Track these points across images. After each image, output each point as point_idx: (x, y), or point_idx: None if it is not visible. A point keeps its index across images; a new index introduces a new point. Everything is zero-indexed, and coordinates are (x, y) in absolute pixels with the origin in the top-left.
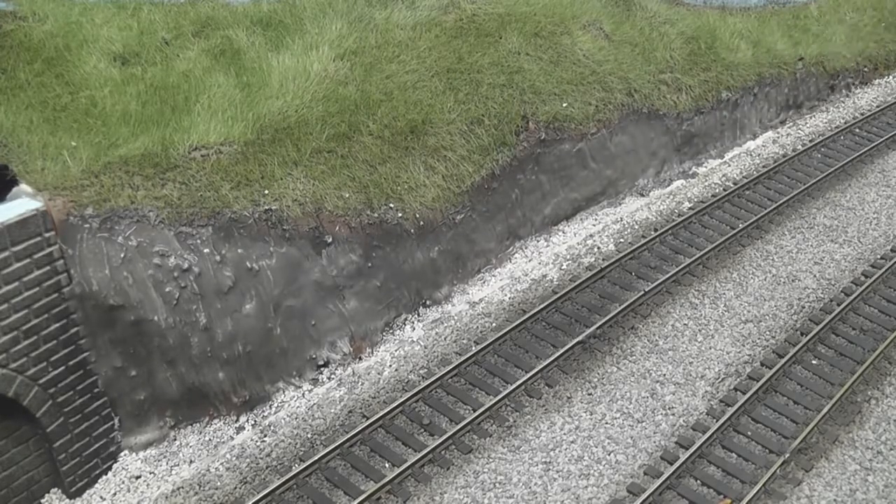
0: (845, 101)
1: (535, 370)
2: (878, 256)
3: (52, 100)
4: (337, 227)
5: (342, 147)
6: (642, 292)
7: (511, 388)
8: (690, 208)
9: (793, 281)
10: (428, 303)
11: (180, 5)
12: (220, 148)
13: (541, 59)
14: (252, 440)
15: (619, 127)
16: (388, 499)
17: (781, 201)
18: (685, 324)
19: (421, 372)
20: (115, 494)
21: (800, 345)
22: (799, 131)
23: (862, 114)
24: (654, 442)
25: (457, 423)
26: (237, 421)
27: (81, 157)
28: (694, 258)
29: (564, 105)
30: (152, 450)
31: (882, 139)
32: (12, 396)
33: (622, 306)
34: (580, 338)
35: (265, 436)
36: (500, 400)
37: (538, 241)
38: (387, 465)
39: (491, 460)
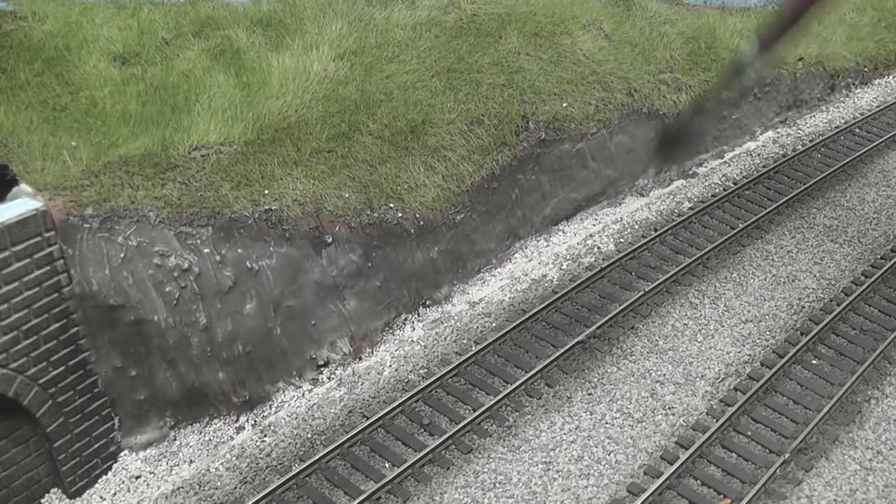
0: (845, 101)
1: (535, 370)
2: (878, 256)
3: (52, 100)
4: (337, 227)
5: (342, 147)
6: (642, 292)
7: (511, 387)
8: (690, 208)
9: (793, 281)
10: (428, 303)
11: (180, 5)
12: (220, 148)
13: (541, 59)
14: (252, 440)
15: (619, 127)
16: (388, 499)
17: (781, 201)
18: (685, 324)
19: (421, 372)
20: (115, 494)
21: (800, 345)
22: (799, 131)
23: (862, 114)
24: (654, 442)
25: (457, 422)
26: (237, 421)
27: (81, 157)
28: (694, 258)
29: (564, 105)
30: (152, 450)
31: (882, 139)
32: (12, 396)
33: (622, 306)
34: (580, 338)
35: (265, 436)
36: (500, 400)
37: (538, 241)
38: (387, 465)
39: (491, 460)
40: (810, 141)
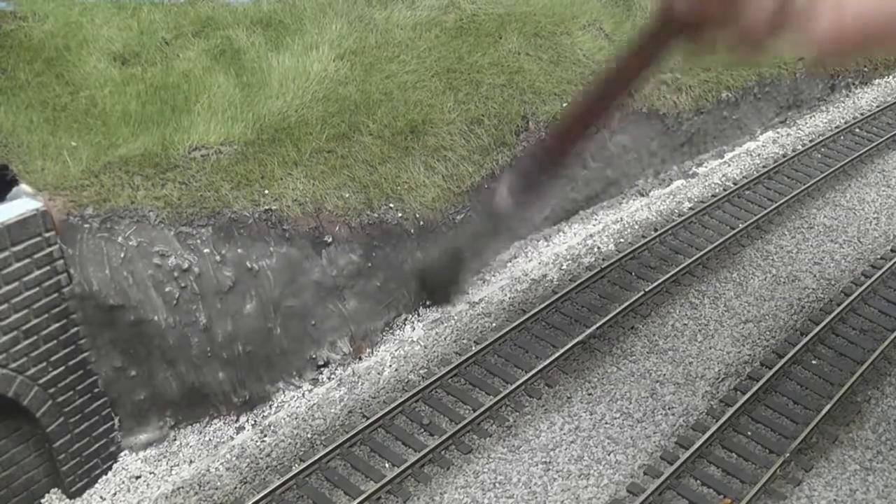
0: (845, 101)
1: (535, 370)
2: (878, 256)
3: (52, 100)
4: (337, 227)
5: (342, 147)
6: (642, 292)
7: (511, 388)
8: (690, 208)
9: (793, 281)
10: (428, 303)
11: (180, 5)
12: (220, 148)
13: (541, 59)
14: (252, 440)
15: (619, 127)
16: (388, 499)
17: (781, 201)
18: (685, 324)
19: (421, 372)
20: (115, 494)
21: (800, 345)
22: (799, 131)
23: (862, 114)
24: (654, 442)
25: (457, 423)
26: (237, 421)
27: (81, 157)
28: (694, 258)
29: (564, 105)
30: (152, 450)
31: (882, 139)
32: (12, 396)
33: (622, 306)
34: (580, 338)
35: (265, 436)
36: (500, 400)
37: (538, 241)
38: (387, 465)
39: (491, 460)
40: (810, 141)
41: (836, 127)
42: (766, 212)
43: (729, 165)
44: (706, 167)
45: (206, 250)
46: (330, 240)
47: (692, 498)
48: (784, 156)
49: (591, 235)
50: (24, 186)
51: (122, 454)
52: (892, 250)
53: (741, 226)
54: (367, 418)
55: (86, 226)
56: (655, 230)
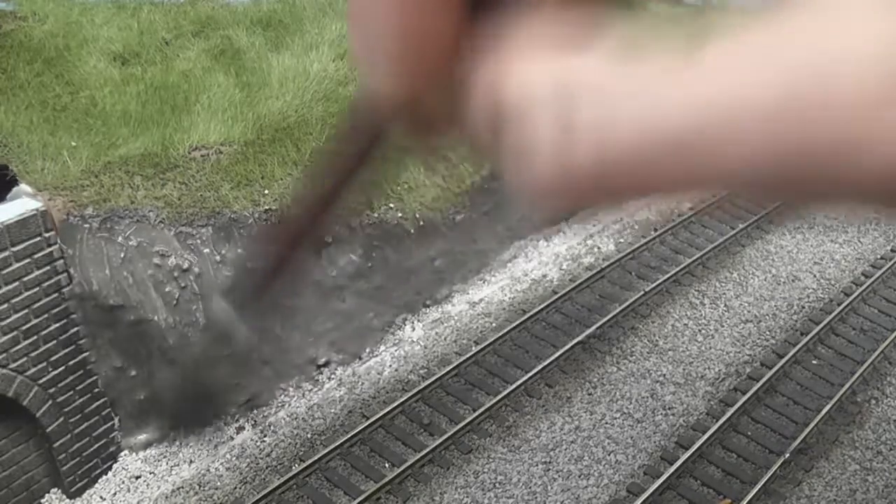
0: None
1: (535, 370)
2: (878, 256)
3: (52, 100)
4: (337, 227)
5: None
6: (642, 292)
7: (511, 388)
8: (690, 208)
9: (793, 281)
10: (428, 303)
11: (180, 5)
12: (220, 148)
13: None
14: (252, 440)
15: None
16: (388, 499)
17: (781, 201)
18: (685, 324)
19: (421, 372)
20: (115, 494)
21: (800, 345)
22: None
23: None
24: (654, 442)
25: (457, 423)
26: (237, 421)
27: (81, 157)
28: (694, 258)
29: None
30: (152, 450)
31: None
32: (12, 396)
33: (622, 306)
34: (580, 338)
35: (265, 436)
36: (500, 400)
37: (538, 241)
38: (387, 465)
39: (491, 460)
40: None
41: None
42: (766, 212)
43: None
44: None
45: (206, 250)
46: (330, 240)
47: (692, 498)
48: None
49: (591, 235)
50: (24, 186)
51: (122, 454)
52: (892, 250)
53: (741, 226)
54: (367, 418)
55: (86, 226)
56: (655, 230)
